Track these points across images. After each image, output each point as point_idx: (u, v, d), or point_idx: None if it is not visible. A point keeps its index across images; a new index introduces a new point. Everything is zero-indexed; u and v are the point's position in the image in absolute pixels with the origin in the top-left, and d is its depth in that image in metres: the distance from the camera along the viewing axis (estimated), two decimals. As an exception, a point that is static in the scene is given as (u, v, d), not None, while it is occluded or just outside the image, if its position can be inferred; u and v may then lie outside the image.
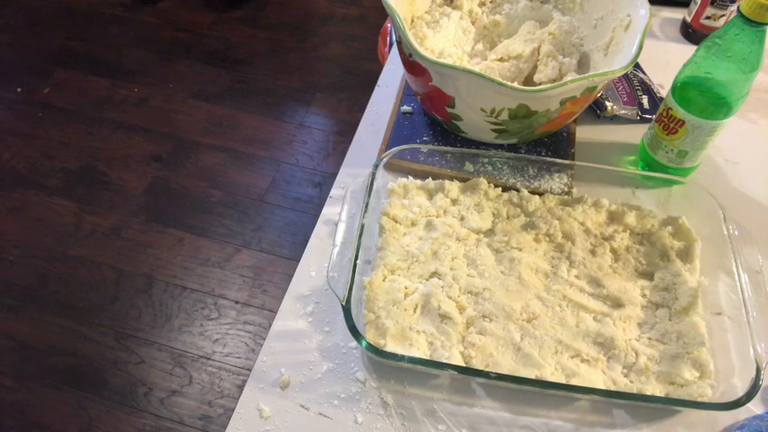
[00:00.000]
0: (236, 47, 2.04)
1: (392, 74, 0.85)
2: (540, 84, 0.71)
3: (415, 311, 0.57)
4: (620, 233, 0.64)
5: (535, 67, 0.73)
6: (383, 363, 0.55)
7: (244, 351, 1.36)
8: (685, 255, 0.63)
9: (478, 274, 0.60)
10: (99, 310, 1.42)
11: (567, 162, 0.68)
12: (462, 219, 0.65)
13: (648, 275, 0.62)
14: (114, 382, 1.32)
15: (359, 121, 0.78)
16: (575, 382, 0.54)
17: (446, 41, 0.76)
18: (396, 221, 0.64)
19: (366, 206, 0.61)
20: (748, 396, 0.50)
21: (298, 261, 0.64)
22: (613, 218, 0.66)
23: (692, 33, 0.90)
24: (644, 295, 0.60)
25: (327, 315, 0.60)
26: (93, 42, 2.06)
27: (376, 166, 0.64)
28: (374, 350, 0.52)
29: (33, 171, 1.69)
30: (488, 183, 0.67)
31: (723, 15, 0.86)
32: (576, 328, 0.57)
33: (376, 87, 0.83)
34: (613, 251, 0.63)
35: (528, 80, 0.74)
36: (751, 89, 0.61)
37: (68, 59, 1.99)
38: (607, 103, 0.78)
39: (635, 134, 0.76)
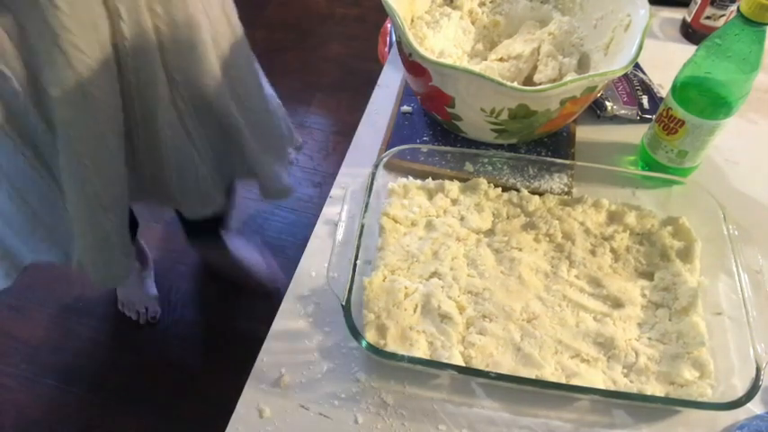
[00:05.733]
0: (236, 47, 2.04)
1: (392, 74, 0.85)
2: (540, 84, 0.71)
3: (415, 312, 0.57)
4: (620, 233, 0.64)
5: (535, 67, 0.73)
6: (383, 363, 0.55)
7: (244, 351, 1.36)
8: (685, 255, 0.63)
9: (478, 275, 0.60)
10: (99, 310, 1.42)
11: (567, 162, 0.68)
12: (462, 219, 0.65)
13: (648, 275, 0.62)
14: (114, 381, 1.32)
15: (359, 121, 0.78)
16: (575, 382, 0.54)
17: (446, 41, 0.76)
18: (396, 221, 0.64)
19: (366, 206, 0.61)
20: (748, 396, 0.50)
21: (298, 261, 0.64)
22: (613, 218, 0.66)
23: (692, 33, 0.90)
24: (644, 295, 0.60)
25: (327, 315, 0.60)
26: (93, 42, 2.05)
27: (376, 166, 0.64)
28: (374, 350, 0.52)
29: (33, 171, 1.69)
30: (488, 183, 0.67)
31: (723, 15, 0.86)
32: (575, 328, 0.57)
33: (376, 87, 0.83)
34: (613, 251, 0.63)
35: (528, 80, 0.74)
36: (751, 89, 0.61)
37: (68, 59, 1.99)
38: (607, 103, 0.78)
39: (635, 134, 0.76)
